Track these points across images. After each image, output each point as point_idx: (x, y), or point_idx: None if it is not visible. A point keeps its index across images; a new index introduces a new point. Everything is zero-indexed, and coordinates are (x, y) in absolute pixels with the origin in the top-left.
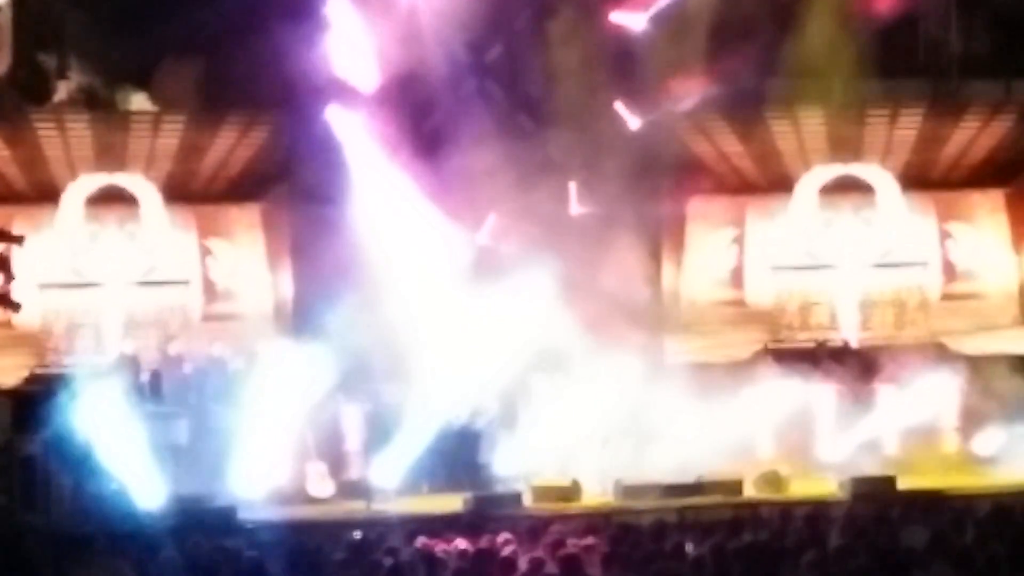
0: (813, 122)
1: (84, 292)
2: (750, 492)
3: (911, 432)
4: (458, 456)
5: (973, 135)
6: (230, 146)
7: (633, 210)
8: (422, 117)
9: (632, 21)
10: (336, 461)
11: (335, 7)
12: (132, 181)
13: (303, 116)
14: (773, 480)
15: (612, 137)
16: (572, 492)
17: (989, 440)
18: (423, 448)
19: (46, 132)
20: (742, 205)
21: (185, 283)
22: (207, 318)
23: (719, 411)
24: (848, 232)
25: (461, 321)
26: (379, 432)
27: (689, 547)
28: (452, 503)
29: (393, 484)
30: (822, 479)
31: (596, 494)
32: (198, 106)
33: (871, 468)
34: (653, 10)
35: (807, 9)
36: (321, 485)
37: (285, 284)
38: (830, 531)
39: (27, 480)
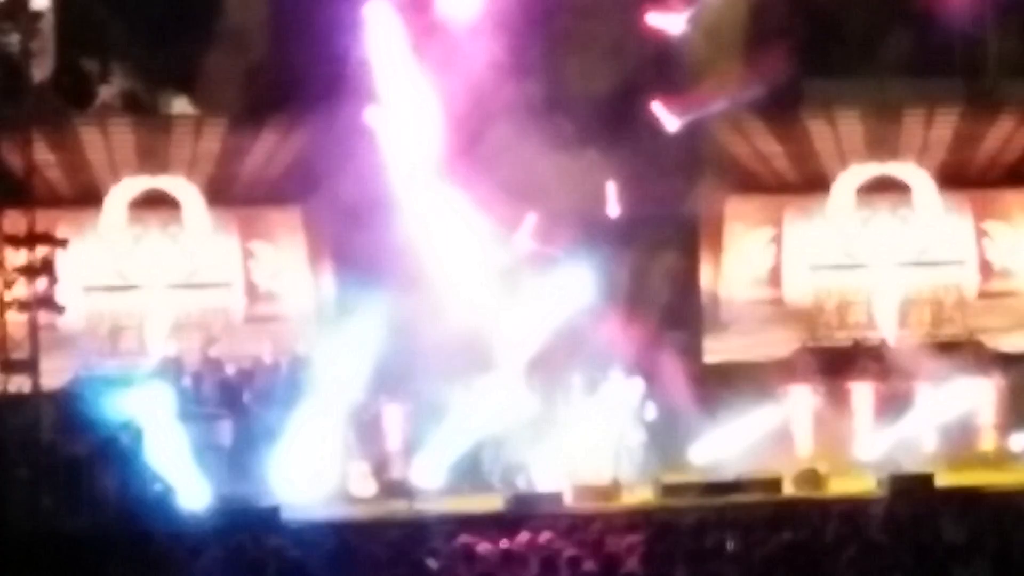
0: (850, 122)
1: (127, 295)
2: (789, 490)
3: (949, 430)
4: (498, 455)
5: (1009, 134)
6: (271, 149)
7: (671, 210)
8: (461, 119)
9: (669, 23)
10: (378, 461)
11: (374, 11)
12: (174, 184)
13: (344, 119)
14: (812, 478)
15: (650, 138)
16: (612, 491)
17: None
18: (465, 447)
19: (89, 136)
20: (780, 205)
21: (227, 285)
22: (249, 320)
23: (757, 410)
24: (885, 231)
25: (501, 321)
26: (421, 432)
27: (729, 545)
28: (493, 502)
29: (435, 483)
30: (861, 477)
31: (636, 493)
32: (239, 109)
33: (909, 465)
34: (690, 12)
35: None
36: (363, 485)
37: (327, 286)
38: (869, 528)
39: (72, 482)
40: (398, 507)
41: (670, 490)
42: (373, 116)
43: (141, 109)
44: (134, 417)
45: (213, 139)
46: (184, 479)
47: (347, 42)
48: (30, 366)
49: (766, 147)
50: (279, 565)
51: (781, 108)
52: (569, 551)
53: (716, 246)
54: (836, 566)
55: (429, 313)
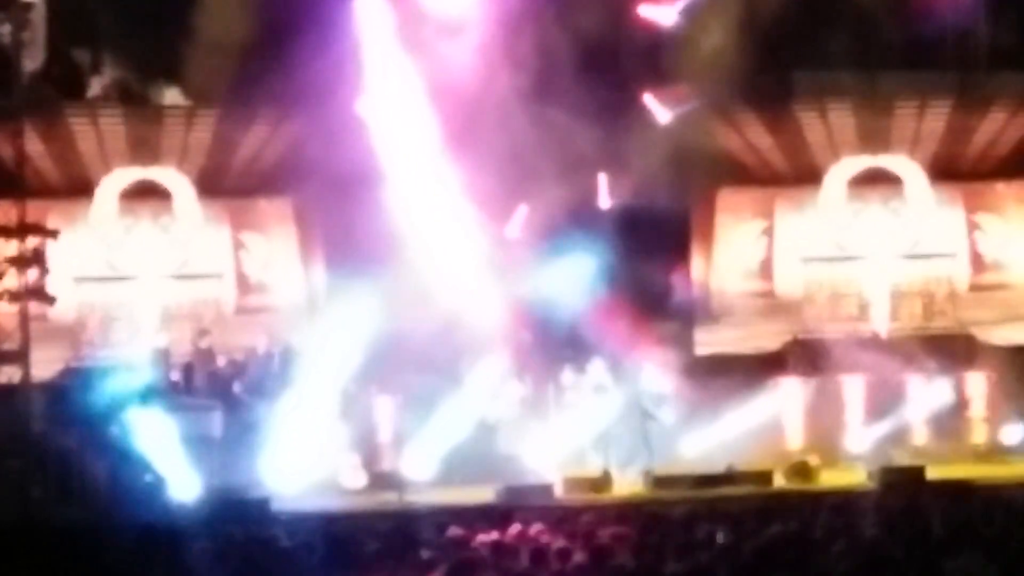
0: (841, 114)
1: (118, 285)
2: (780, 482)
3: (940, 422)
4: (489, 447)
5: (1001, 126)
6: (262, 140)
7: (662, 202)
8: (451, 110)
9: (661, 15)
10: (369, 452)
11: (365, 1)
12: (165, 175)
13: (335, 110)
14: (803, 470)
15: (642, 130)
16: (603, 483)
17: (1017, 430)
18: (455, 440)
19: (80, 127)
20: (771, 197)
21: (218, 276)
22: (240, 311)
23: (749, 402)
24: (877, 223)
25: (491, 313)
26: (411, 423)
27: (719, 537)
28: (484, 494)
29: (425, 475)
30: (851, 469)
31: (627, 484)
32: (230, 100)
33: (900, 458)
34: (682, 3)
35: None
36: (354, 476)
37: (317, 277)
38: (859, 521)
39: (62, 472)
40: (388, 499)
41: (660, 482)
42: (364, 107)
43: (132, 100)
44: (124, 408)
45: (204, 130)
46: (174, 470)
47: (338, 33)
48: (21, 357)
49: (758, 139)
50: (269, 556)
51: (773, 100)
52: (559, 543)
53: (707, 238)
54: (826, 559)
55: (420, 304)
